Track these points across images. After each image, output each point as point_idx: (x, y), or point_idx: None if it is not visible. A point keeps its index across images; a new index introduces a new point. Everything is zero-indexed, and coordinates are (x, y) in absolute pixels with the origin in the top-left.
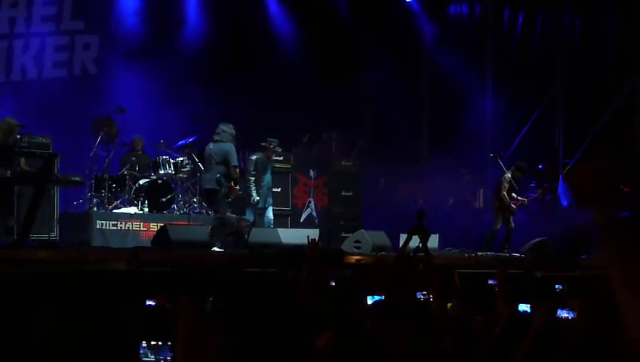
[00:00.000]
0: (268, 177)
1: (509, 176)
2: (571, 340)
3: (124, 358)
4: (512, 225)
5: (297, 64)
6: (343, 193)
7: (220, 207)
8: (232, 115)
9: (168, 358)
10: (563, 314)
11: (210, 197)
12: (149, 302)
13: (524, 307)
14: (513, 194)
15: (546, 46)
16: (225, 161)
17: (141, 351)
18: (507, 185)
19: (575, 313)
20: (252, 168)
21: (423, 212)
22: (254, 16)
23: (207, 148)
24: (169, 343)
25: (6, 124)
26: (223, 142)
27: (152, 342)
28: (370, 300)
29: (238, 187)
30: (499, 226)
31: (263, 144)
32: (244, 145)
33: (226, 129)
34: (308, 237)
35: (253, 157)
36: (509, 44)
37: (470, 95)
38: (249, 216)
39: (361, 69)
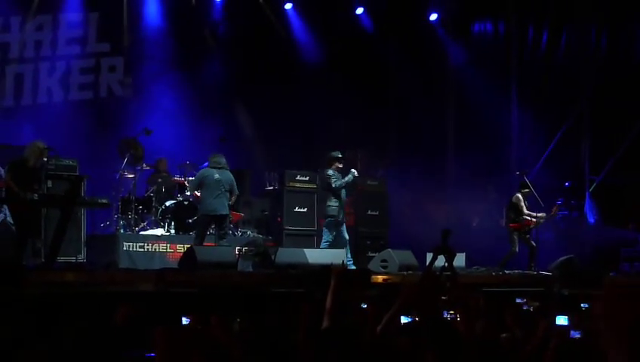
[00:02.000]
0: (344, 191)
1: (521, 195)
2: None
3: None
4: (534, 243)
5: (323, 84)
6: (369, 212)
7: (228, 229)
8: (258, 135)
9: None
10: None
11: (219, 222)
12: (185, 320)
13: (561, 321)
14: (529, 213)
15: (572, 62)
16: (231, 189)
17: None
18: (525, 205)
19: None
20: (334, 184)
21: (448, 231)
22: (280, 37)
23: (210, 176)
24: None
25: (35, 147)
26: (227, 171)
27: None
28: (403, 319)
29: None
30: (516, 248)
31: (334, 156)
32: (269, 165)
33: (224, 159)
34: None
35: (330, 172)
36: (533, 60)
37: (495, 112)
38: (327, 236)
39: (387, 87)
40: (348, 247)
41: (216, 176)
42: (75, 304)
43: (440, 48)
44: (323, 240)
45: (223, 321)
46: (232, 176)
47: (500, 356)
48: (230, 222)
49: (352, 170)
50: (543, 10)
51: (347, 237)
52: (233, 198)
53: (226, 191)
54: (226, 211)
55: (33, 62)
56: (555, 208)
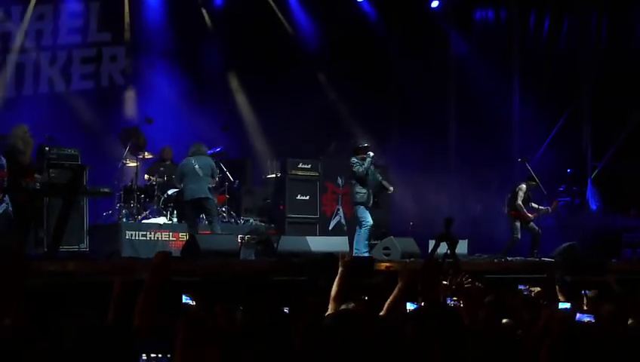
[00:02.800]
0: (371, 176)
1: (525, 186)
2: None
3: None
4: (537, 229)
5: (324, 72)
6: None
7: (215, 213)
8: (260, 123)
9: None
10: (584, 318)
11: (203, 206)
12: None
13: (564, 305)
14: (533, 204)
15: (573, 49)
16: (212, 174)
17: None
18: (523, 195)
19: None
20: (356, 170)
21: (450, 219)
22: (281, 24)
23: (189, 165)
24: (168, 356)
25: (21, 130)
26: (205, 157)
27: (152, 355)
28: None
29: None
30: (519, 235)
31: (359, 145)
32: (272, 153)
33: (203, 147)
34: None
35: (354, 159)
36: (535, 48)
37: (497, 100)
38: (366, 221)
39: (388, 75)
40: (367, 233)
41: (194, 163)
42: (77, 294)
43: (441, 36)
44: (363, 226)
45: (227, 310)
46: (210, 160)
47: (503, 342)
48: (217, 206)
49: (369, 153)
50: None
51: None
52: (214, 182)
53: (206, 175)
54: (205, 194)
55: (34, 52)
56: (554, 203)
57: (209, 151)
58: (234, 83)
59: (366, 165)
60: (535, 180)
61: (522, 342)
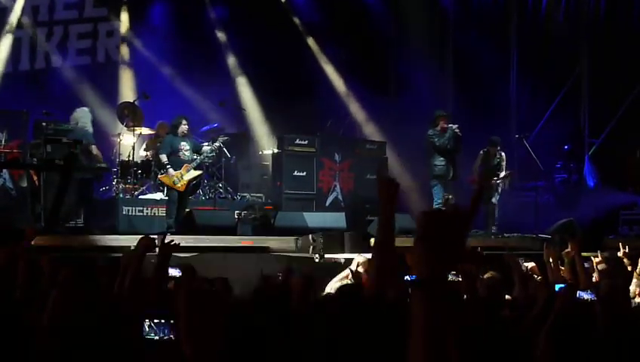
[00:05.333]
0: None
1: (482, 152)
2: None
3: (128, 337)
4: (494, 202)
5: (322, 49)
6: (368, 176)
7: None
8: (257, 100)
9: (171, 336)
10: (584, 295)
11: None
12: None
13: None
14: (499, 173)
15: (571, 25)
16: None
17: (144, 330)
18: (479, 162)
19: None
20: (437, 143)
21: (447, 198)
22: (277, 4)
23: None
24: (171, 321)
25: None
26: None
27: (155, 321)
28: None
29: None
30: (494, 200)
31: (438, 114)
32: (269, 129)
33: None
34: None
35: (431, 132)
36: (533, 23)
37: (495, 76)
38: (437, 197)
39: (386, 52)
40: None
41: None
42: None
43: (439, 10)
44: (435, 202)
45: (225, 281)
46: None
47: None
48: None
49: (451, 125)
50: None
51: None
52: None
53: None
54: None
55: (31, 28)
56: (509, 173)
57: (205, 128)
58: (231, 59)
59: (447, 137)
60: (494, 143)
61: (524, 322)
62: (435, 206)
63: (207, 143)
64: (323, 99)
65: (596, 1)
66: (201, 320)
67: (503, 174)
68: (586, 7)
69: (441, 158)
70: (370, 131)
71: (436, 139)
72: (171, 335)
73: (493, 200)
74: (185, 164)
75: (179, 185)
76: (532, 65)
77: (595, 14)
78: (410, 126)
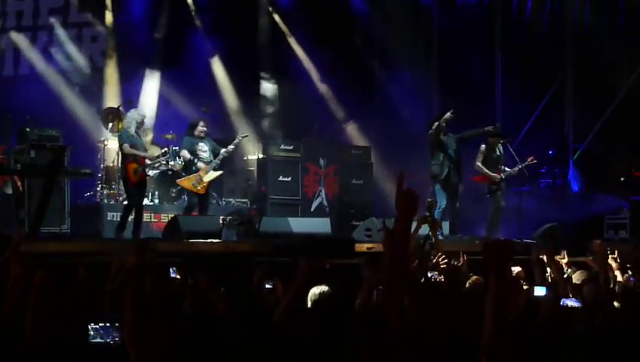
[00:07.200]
0: (451, 146)
1: (484, 146)
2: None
3: (74, 340)
4: (502, 202)
5: (306, 52)
6: (354, 181)
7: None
8: (242, 105)
9: (117, 339)
10: (568, 302)
11: None
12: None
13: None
14: (503, 167)
15: (556, 30)
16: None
17: (90, 333)
18: (481, 156)
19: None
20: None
21: (433, 203)
22: (261, 6)
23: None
24: (116, 324)
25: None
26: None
27: (100, 324)
28: None
29: None
30: (502, 203)
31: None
32: (254, 134)
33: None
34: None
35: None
36: (518, 28)
37: (480, 81)
38: (440, 201)
39: (371, 55)
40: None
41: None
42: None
43: (424, 16)
44: (437, 207)
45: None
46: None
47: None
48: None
49: (450, 134)
50: None
51: (457, 205)
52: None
53: None
54: None
55: (15, 33)
56: (531, 158)
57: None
58: (216, 64)
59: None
60: (502, 136)
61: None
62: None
63: None
64: (308, 103)
65: (581, 6)
66: (148, 324)
67: (511, 169)
68: (571, 12)
69: (433, 157)
70: (355, 135)
71: (430, 132)
72: (117, 339)
73: (502, 203)
74: (204, 166)
75: (199, 187)
76: (516, 71)
77: (579, 19)
78: (395, 129)
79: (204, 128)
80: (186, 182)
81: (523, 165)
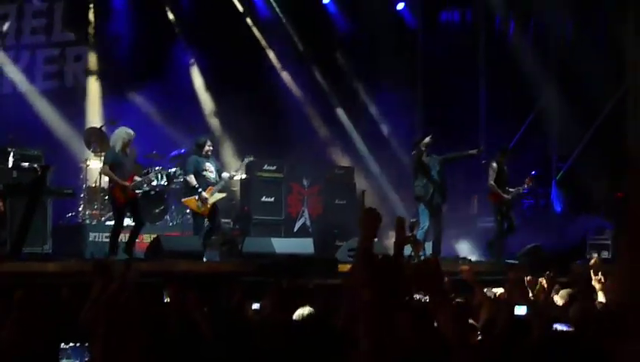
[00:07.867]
0: (434, 168)
1: (495, 164)
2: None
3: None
4: (514, 218)
5: (289, 72)
6: (337, 201)
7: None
8: (225, 124)
9: (86, 359)
10: (559, 326)
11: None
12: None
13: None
14: (508, 188)
15: (539, 50)
16: None
17: (60, 354)
18: (493, 174)
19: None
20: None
21: (416, 223)
22: (244, 26)
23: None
24: (86, 344)
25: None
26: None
27: (71, 344)
28: None
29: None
30: (505, 225)
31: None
32: (237, 154)
33: None
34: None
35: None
36: (501, 49)
37: (463, 101)
38: (423, 221)
39: (353, 72)
40: (421, 236)
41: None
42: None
43: (408, 37)
44: (420, 227)
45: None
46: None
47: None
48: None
49: (434, 155)
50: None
51: (441, 227)
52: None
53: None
54: None
55: None
56: (528, 180)
57: (173, 153)
58: (198, 82)
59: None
60: (505, 152)
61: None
62: (418, 233)
63: (175, 169)
64: (290, 121)
65: (563, 26)
66: (119, 346)
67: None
68: (554, 32)
69: (417, 178)
70: (337, 154)
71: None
72: (86, 359)
73: (512, 214)
74: (209, 186)
75: (202, 209)
76: (500, 91)
77: (562, 39)
78: (379, 150)
79: (211, 148)
80: (191, 203)
81: (526, 187)
